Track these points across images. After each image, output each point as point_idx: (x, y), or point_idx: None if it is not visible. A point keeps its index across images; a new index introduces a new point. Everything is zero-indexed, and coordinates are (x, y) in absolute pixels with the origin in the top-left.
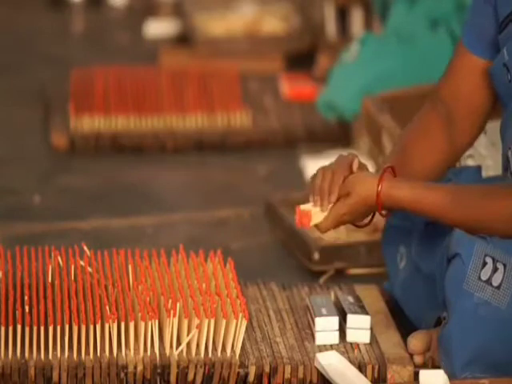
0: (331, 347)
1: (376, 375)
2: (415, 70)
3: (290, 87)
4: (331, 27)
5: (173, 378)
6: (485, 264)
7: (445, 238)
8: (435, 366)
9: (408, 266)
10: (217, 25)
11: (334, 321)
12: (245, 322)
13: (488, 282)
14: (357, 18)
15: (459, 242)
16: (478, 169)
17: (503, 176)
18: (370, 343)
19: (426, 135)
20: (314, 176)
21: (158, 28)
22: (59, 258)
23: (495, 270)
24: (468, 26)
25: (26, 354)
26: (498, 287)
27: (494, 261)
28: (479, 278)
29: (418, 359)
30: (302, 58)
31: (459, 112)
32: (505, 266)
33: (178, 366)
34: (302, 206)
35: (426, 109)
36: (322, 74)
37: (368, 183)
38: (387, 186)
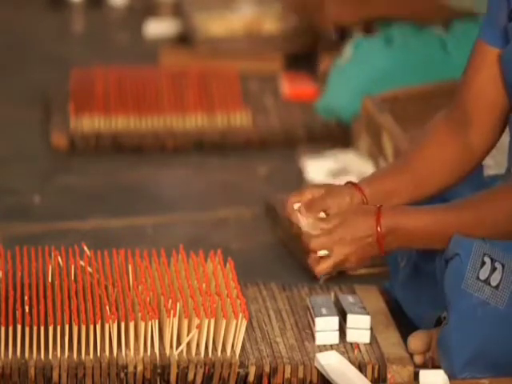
0: (331, 347)
1: (376, 375)
2: (406, 71)
3: (290, 87)
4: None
5: (173, 378)
6: (483, 264)
7: None
8: (435, 366)
9: (408, 265)
10: (217, 25)
11: (334, 321)
12: (245, 322)
13: (486, 281)
14: None
15: (458, 243)
16: (480, 168)
17: (506, 174)
18: (370, 343)
19: (438, 141)
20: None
21: (158, 28)
22: (59, 258)
23: (493, 269)
24: (485, 20)
25: (26, 354)
26: (497, 287)
27: (493, 261)
28: (478, 277)
29: (418, 359)
30: (302, 57)
31: (476, 112)
32: (503, 265)
33: (178, 366)
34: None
35: (436, 118)
36: (326, 70)
37: (364, 224)
38: (387, 223)
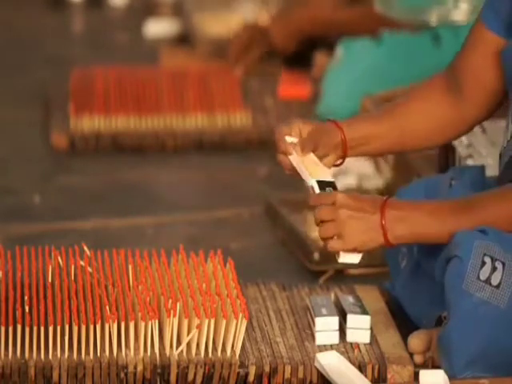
0: (331, 347)
1: (376, 375)
2: (398, 67)
3: (284, 87)
4: None
5: (173, 378)
6: (484, 264)
7: None
8: (435, 366)
9: (409, 265)
10: (217, 25)
11: (334, 321)
12: (245, 322)
13: (487, 281)
14: None
15: (458, 243)
16: (482, 168)
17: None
18: (370, 343)
19: (429, 95)
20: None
21: (158, 28)
22: (59, 258)
23: (494, 269)
24: (487, 4)
25: (26, 354)
26: (497, 286)
27: (493, 260)
28: (478, 277)
29: (418, 359)
30: (302, 57)
31: (468, 84)
32: (503, 264)
33: (178, 366)
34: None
35: (436, 76)
36: (320, 73)
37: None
38: (391, 224)
